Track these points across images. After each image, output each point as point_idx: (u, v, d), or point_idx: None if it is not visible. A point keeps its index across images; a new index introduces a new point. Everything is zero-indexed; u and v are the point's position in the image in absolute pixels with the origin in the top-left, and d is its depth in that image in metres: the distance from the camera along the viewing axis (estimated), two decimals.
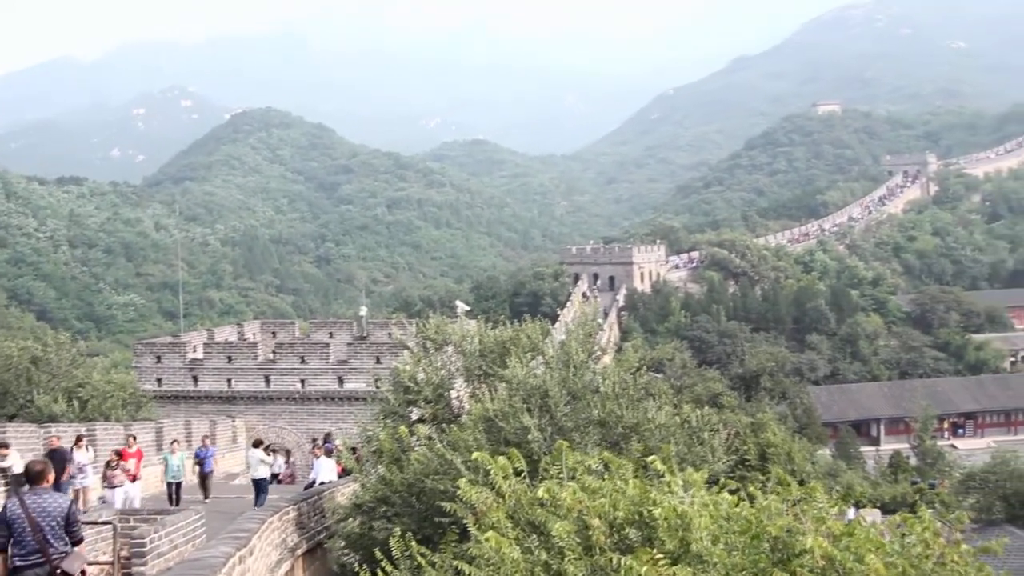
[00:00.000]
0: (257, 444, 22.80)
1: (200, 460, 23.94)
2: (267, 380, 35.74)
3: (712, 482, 10.32)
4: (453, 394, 17.32)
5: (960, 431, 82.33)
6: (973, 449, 73.78)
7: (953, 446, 74.33)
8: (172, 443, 23.32)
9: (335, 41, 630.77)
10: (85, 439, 20.82)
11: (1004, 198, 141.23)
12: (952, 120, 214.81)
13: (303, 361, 35.75)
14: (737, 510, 7.57)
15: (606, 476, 8.57)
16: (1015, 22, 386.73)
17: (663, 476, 8.35)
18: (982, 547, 7.90)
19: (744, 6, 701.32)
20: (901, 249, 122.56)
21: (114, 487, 19.76)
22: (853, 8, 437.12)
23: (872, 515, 26.44)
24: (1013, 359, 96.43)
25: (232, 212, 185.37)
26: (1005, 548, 8.57)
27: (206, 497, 22.78)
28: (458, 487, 8.94)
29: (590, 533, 7.32)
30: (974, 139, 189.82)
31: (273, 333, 44.11)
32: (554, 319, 67.50)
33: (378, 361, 34.14)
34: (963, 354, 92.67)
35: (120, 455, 20.77)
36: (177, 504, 20.68)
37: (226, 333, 43.14)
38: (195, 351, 37.62)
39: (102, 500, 19.99)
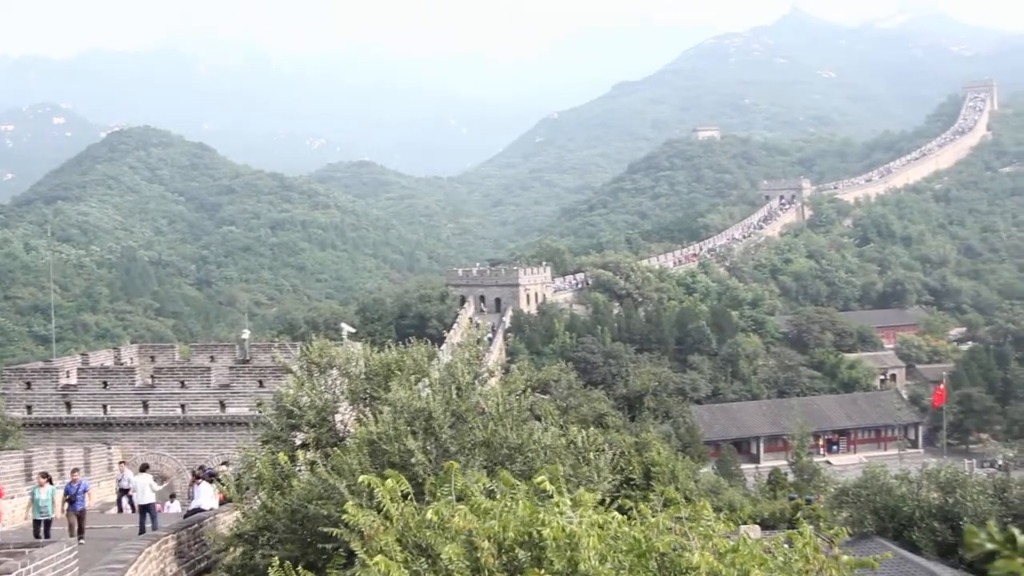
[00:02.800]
0: (144, 468, 22.09)
1: (70, 497, 21.51)
2: (145, 406, 34.55)
3: (599, 502, 10.36)
4: (338, 418, 17.04)
5: (834, 447, 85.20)
6: (846, 465, 76.37)
7: (828, 462, 76.80)
8: (40, 476, 21.33)
9: (216, 60, 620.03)
10: None
11: (873, 223, 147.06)
12: (824, 147, 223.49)
13: (183, 385, 34.71)
14: (626, 529, 7.60)
15: (497, 497, 8.52)
16: (879, 54, 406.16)
17: (551, 496, 8.33)
18: (861, 561, 8.10)
19: (625, 33, 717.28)
20: (778, 271, 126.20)
21: None
22: (730, 38, 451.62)
23: (753, 531, 27.01)
24: (883, 377, 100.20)
25: (108, 233, 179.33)
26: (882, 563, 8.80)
27: (80, 539, 20.53)
28: (343, 512, 8.76)
29: (479, 555, 7.25)
30: (844, 165, 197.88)
31: (152, 357, 42.75)
32: (440, 341, 67.24)
33: (261, 385, 33.40)
34: (837, 373, 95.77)
35: None
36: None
37: (102, 358, 41.60)
38: (68, 376, 36.14)
39: None
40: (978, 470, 64.07)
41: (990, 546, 2.49)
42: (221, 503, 21.78)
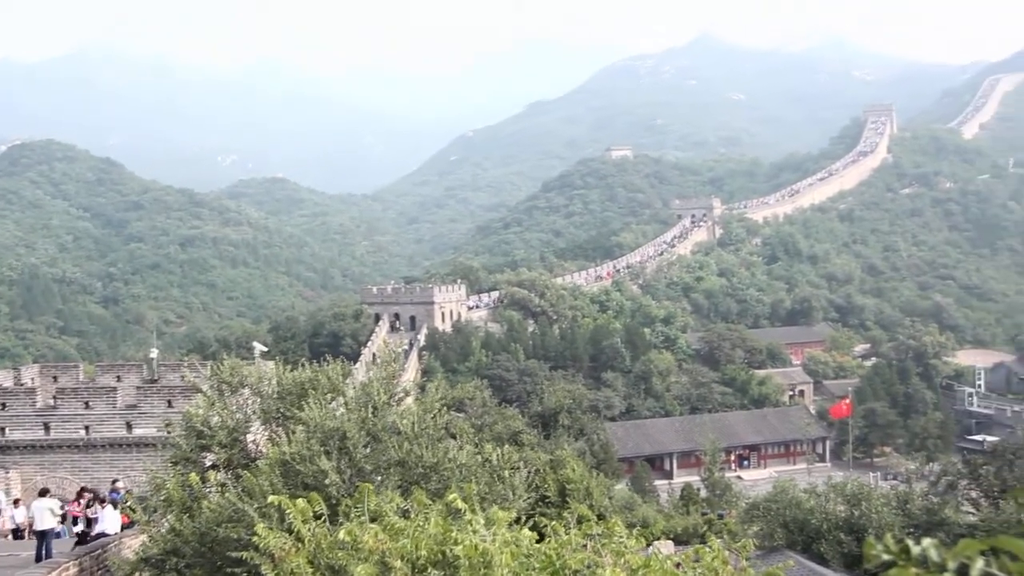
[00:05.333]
0: (43, 493, 21.38)
1: None
2: (47, 427, 33.51)
3: (514, 520, 10.37)
4: (249, 438, 16.75)
5: (745, 463, 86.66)
6: (757, 479, 77.78)
7: (739, 477, 78.07)
8: None
9: (123, 74, 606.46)
10: None
11: (781, 242, 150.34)
12: (734, 167, 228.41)
13: (87, 406, 33.76)
14: (538, 546, 7.63)
15: (410, 516, 8.48)
16: (786, 78, 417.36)
17: (464, 515, 8.32)
18: (765, 573, 8.25)
19: (539, 53, 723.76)
20: (690, 289, 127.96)
21: None
22: (643, 59, 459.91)
23: (666, 546, 27.29)
24: (791, 393, 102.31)
25: (8, 250, 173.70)
26: (787, 571, 8.99)
27: None
28: (254, 534, 8.62)
29: (392, 574, 7.20)
30: (753, 185, 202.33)
31: (54, 377, 41.42)
32: (355, 359, 66.70)
33: (170, 405, 32.69)
34: (747, 389, 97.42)
35: None
36: None
37: (0, 378, 40.25)
38: None
39: None
40: (882, 483, 65.94)
41: (886, 557, 2.57)
42: (125, 527, 21.21)
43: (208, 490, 14.23)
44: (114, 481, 28.88)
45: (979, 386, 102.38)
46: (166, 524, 14.37)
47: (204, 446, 16.46)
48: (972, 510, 38.36)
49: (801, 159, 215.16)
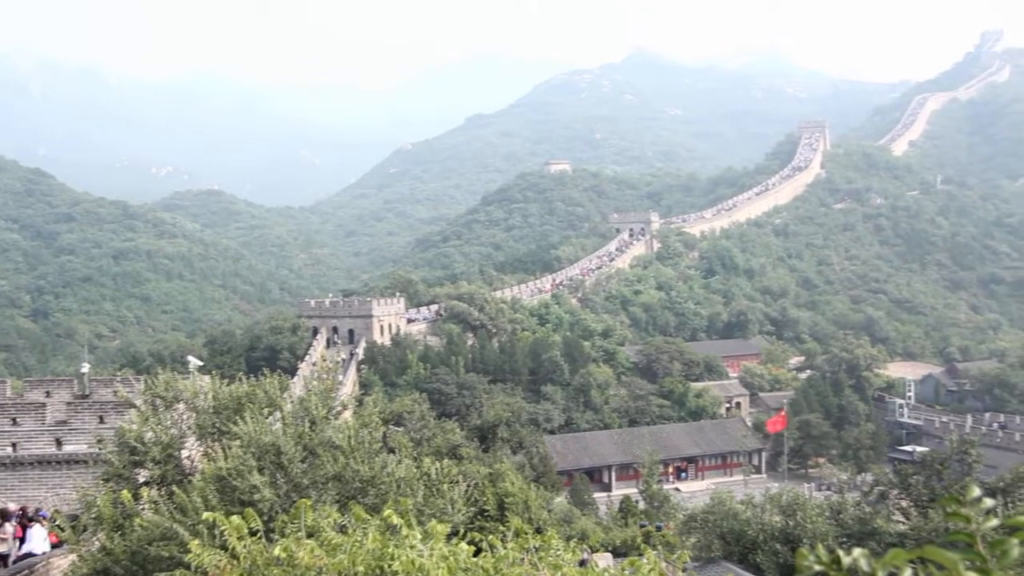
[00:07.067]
0: None
1: None
2: None
3: (453, 533, 10.33)
4: (184, 454, 16.49)
5: (683, 474, 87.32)
6: (695, 491, 78.43)
7: (677, 489, 78.65)
8: None
9: (53, 84, 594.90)
10: None
11: (718, 255, 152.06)
12: (671, 181, 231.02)
13: (15, 423, 32.96)
14: (475, 560, 7.60)
15: (348, 532, 8.40)
16: (722, 94, 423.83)
17: (401, 529, 8.27)
18: None
19: (477, 67, 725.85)
20: (628, 302, 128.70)
21: None
22: (580, 74, 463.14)
23: (604, 559, 27.37)
24: (728, 405, 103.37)
25: None
26: None
27: None
28: (187, 551, 8.47)
29: None
30: (690, 200, 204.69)
31: None
32: (293, 373, 66.05)
33: (102, 421, 32.03)
34: (685, 401, 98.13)
35: None
36: None
37: None
38: None
39: None
40: (816, 493, 66.93)
41: (818, 567, 2.61)
42: (54, 546, 20.70)
43: (141, 507, 13.96)
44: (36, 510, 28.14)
45: (909, 398, 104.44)
46: (97, 543, 14.07)
47: (137, 462, 16.17)
48: (902, 519, 39.08)
49: (737, 174, 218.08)
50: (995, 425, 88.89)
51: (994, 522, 2.73)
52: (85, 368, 46.83)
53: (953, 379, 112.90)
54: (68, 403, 35.33)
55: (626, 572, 8.12)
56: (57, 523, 17.18)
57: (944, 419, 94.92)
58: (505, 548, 7.98)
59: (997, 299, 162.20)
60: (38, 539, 20.90)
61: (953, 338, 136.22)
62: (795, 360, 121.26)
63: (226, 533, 8.27)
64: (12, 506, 23.55)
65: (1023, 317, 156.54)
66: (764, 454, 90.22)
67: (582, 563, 9.17)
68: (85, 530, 15.01)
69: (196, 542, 8.63)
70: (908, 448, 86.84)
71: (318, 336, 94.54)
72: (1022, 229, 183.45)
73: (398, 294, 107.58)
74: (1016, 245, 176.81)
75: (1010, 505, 34.65)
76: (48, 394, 39.24)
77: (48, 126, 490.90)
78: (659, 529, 41.23)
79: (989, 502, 2.77)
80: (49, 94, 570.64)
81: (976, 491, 2.79)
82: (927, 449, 65.00)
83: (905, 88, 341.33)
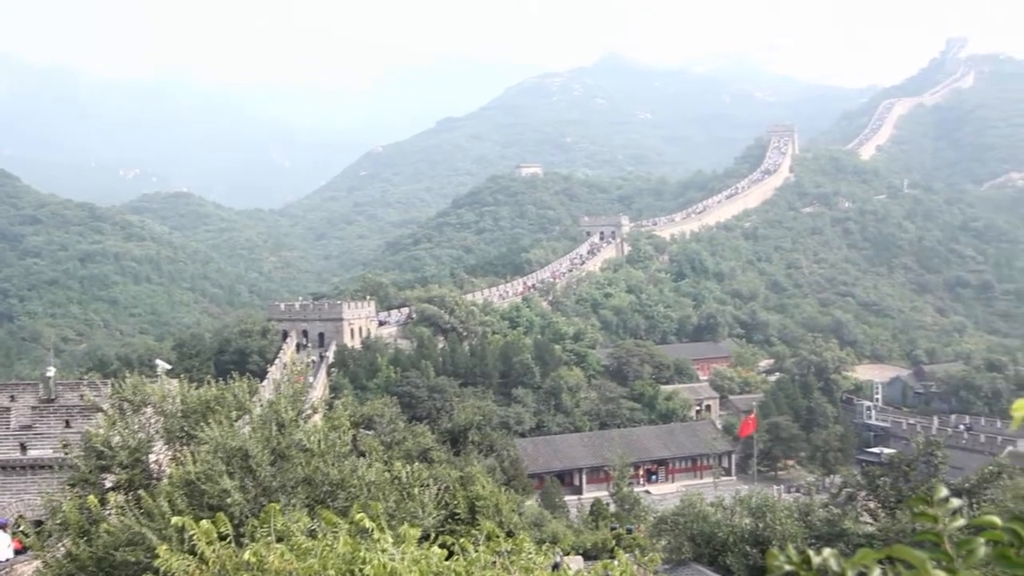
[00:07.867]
0: None
1: None
2: None
3: (424, 537, 10.30)
4: (152, 458, 16.34)
5: (654, 477, 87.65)
6: (665, 494, 78.74)
7: (648, 491, 78.89)
8: None
9: (19, 84, 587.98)
10: None
11: (688, 259, 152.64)
12: (641, 185, 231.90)
13: None
14: (447, 564, 7.59)
15: (318, 536, 8.36)
16: (692, 98, 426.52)
17: (372, 533, 8.24)
18: None
19: (448, 70, 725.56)
20: (599, 305, 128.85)
21: None
22: (551, 77, 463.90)
23: (576, 561, 27.41)
24: (698, 408, 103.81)
25: None
26: None
27: None
28: (155, 557, 8.40)
29: None
30: (660, 203, 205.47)
31: None
32: (262, 377, 65.59)
33: (68, 425, 31.63)
34: (655, 404, 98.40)
35: None
36: None
37: None
38: None
39: None
40: (785, 495, 67.42)
41: (788, 568, 2.63)
42: (18, 552, 20.46)
43: (108, 512, 13.81)
44: None
45: (877, 400, 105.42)
46: (62, 549, 13.90)
47: (104, 467, 16.00)
48: (870, 520, 39.44)
49: (707, 178, 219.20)
50: (961, 427, 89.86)
51: (960, 522, 2.76)
52: (51, 372, 46.28)
53: (920, 381, 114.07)
54: (33, 407, 34.90)
55: (599, 574, 8.13)
56: (21, 529, 16.97)
57: (911, 421, 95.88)
58: (477, 551, 7.97)
59: (962, 302, 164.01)
60: (1, 546, 20.66)
61: (920, 341, 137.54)
62: (764, 363, 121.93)
63: (195, 538, 8.21)
64: None
65: (988, 320, 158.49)
66: (734, 456, 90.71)
67: (554, 567, 9.18)
68: (50, 536, 14.83)
69: (164, 547, 8.56)
70: (876, 450, 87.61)
71: (288, 339, 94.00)
72: (987, 233, 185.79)
73: (368, 297, 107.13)
74: (981, 249, 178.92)
75: (976, 505, 35.06)
76: (13, 398, 38.80)
77: (12, 127, 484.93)
78: (630, 532, 41.36)
79: (956, 502, 2.80)
80: (14, 93, 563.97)
81: (943, 491, 2.82)
82: (894, 451, 65.58)
83: (873, 93, 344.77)
